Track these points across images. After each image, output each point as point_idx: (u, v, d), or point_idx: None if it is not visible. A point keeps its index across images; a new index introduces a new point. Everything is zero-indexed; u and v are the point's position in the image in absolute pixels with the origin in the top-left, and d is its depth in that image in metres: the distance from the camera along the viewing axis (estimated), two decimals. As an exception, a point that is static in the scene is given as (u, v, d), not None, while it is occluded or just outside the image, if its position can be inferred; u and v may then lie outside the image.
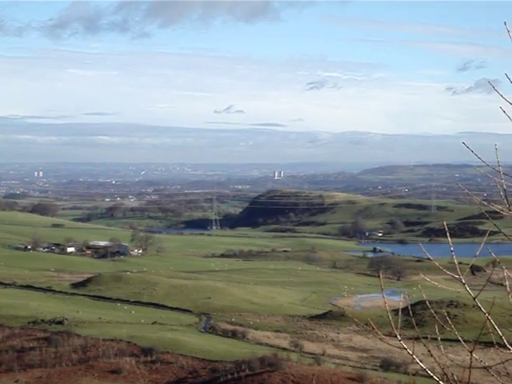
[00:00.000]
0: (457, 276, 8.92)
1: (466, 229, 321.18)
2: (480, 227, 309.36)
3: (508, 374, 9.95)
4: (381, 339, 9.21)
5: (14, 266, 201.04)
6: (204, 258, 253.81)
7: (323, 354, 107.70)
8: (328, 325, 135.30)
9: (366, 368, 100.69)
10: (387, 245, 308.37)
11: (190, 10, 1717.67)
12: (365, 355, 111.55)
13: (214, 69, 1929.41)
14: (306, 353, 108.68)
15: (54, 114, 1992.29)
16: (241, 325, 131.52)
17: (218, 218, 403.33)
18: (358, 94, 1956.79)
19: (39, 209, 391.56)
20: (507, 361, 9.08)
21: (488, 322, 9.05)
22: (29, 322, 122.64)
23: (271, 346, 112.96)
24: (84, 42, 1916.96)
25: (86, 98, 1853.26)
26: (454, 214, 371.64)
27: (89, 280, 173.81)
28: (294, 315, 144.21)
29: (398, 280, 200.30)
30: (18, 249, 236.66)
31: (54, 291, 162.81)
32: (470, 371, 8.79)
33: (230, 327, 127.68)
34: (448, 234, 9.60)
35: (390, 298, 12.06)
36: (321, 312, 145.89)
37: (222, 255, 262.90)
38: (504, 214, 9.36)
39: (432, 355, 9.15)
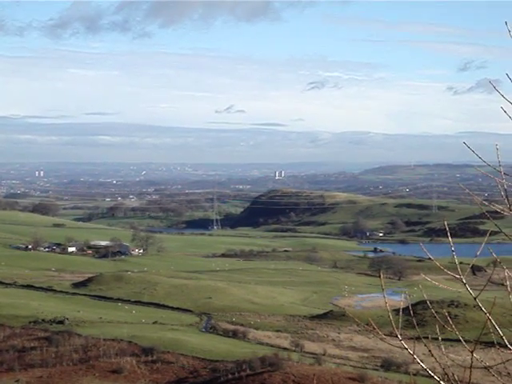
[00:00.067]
0: (458, 276, 8.92)
1: (466, 229, 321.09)
2: (481, 227, 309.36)
3: (509, 373, 9.96)
4: (381, 339, 9.22)
5: (15, 265, 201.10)
6: (205, 258, 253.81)
7: (324, 354, 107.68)
8: (329, 325, 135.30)
9: (366, 368, 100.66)
10: (388, 245, 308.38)
11: (191, 10, 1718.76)
12: (366, 355, 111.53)
13: (214, 69, 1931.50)
14: (307, 353, 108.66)
15: (54, 114, 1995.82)
16: (241, 324, 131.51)
17: (218, 217, 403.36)
18: (358, 94, 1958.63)
19: (40, 208, 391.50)
20: (508, 361, 9.08)
21: (489, 321, 9.05)
22: (29, 322, 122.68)
23: (272, 346, 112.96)
24: (85, 42, 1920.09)
25: (87, 98, 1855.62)
26: (455, 213, 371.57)
27: (90, 280, 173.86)
28: (294, 315, 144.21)
29: (399, 280, 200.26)
30: (18, 248, 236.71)
31: (54, 291, 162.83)
32: (470, 371, 8.80)
33: (231, 327, 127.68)
34: (449, 234, 9.60)
35: (390, 298, 12.07)
36: (322, 312, 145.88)
37: (223, 255, 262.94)
38: (505, 214, 9.36)
39: (433, 355, 9.15)
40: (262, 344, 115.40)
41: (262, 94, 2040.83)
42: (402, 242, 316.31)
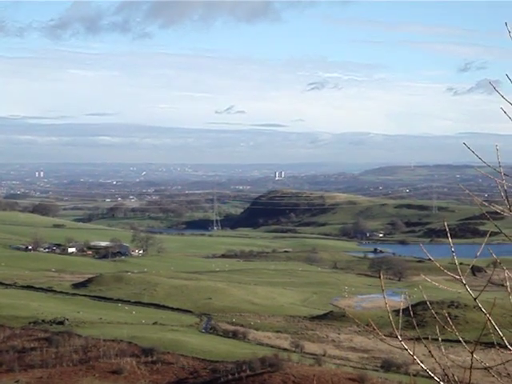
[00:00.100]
0: (457, 277, 8.92)
1: (466, 229, 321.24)
2: (481, 228, 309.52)
3: (509, 374, 9.96)
4: (381, 340, 9.22)
5: (15, 266, 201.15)
6: (205, 259, 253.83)
7: (324, 355, 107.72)
8: (329, 325, 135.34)
9: (366, 369, 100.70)
10: (388, 245, 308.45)
11: (191, 10, 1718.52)
12: (365, 356, 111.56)
13: (214, 69, 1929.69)
14: (307, 353, 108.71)
15: (54, 115, 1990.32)
16: (241, 325, 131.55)
17: (218, 218, 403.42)
18: (358, 95, 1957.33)
19: (40, 209, 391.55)
20: (508, 361, 9.08)
21: (489, 322, 9.05)
22: (29, 323, 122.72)
23: (272, 347, 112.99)
24: (85, 43, 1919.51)
25: (87, 99, 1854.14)
26: (455, 214, 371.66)
27: (90, 280, 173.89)
28: (294, 316, 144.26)
29: (399, 281, 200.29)
30: (18, 249, 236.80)
31: (54, 291, 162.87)
32: (470, 372, 8.80)
33: (231, 328, 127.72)
34: (449, 235, 9.60)
35: (390, 299, 12.09)
36: (321, 312, 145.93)
37: (223, 256, 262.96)
38: (505, 214, 9.36)
39: (433, 356, 9.15)
40: (261, 345, 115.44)
41: (262, 94, 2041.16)
42: (402, 242, 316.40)
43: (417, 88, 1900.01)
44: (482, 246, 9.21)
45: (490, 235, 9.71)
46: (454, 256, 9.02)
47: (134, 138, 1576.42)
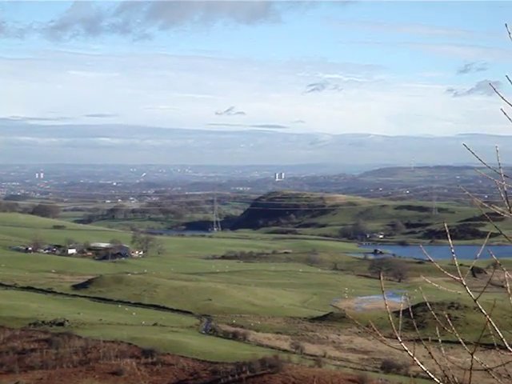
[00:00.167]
0: (458, 278, 8.92)
1: (466, 230, 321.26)
2: (481, 229, 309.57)
3: (509, 375, 9.95)
4: (381, 341, 9.22)
5: (15, 267, 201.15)
6: (205, 260, 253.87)
7: (324, 356, 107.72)
8: (329, 326, 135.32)
9: (366, 370, 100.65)
10: (388, 246, 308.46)
11: (192, 11, 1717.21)
12: (365, 357, 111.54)
13: (215, 71, 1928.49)
14: (307, 354, 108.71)
15: (54, 116, 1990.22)
16: (242, 326, 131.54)
17: (218, 219, 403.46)
18: (358, 96, 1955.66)
19: (40, 210, 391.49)
20: (508, 363, 9.08)
21: (489, 323, 9.05)
22: (29, 324, 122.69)
23: (272, 348, 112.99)
24: (85, 44, 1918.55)
25: (87, 100, 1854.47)
26: (455, 215, 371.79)
27: (90, 281, 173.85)
28: (294, 317, 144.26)
29: (399, 282, 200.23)
30: (18, 250, 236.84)
31: (54, 293, 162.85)
32: (470, 373, 8.79)
33: (231, 329, 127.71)
34: (449, 236, 9.60)
35: (390, 300, 12.09)
36: (322, 314, 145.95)
37: (223, 257, 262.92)
38: (505, 215, 9.36)
39: (433, 357, 9.15)
40: (262, 346, 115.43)
41: (262, 95, 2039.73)
42: (402, 243, 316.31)
43: (417, 89, 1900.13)
44: (482, 247, 9.22)
45: (490, 236, 9.71)
46: (454, 257, 9.02)
47: (134, 139, 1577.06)
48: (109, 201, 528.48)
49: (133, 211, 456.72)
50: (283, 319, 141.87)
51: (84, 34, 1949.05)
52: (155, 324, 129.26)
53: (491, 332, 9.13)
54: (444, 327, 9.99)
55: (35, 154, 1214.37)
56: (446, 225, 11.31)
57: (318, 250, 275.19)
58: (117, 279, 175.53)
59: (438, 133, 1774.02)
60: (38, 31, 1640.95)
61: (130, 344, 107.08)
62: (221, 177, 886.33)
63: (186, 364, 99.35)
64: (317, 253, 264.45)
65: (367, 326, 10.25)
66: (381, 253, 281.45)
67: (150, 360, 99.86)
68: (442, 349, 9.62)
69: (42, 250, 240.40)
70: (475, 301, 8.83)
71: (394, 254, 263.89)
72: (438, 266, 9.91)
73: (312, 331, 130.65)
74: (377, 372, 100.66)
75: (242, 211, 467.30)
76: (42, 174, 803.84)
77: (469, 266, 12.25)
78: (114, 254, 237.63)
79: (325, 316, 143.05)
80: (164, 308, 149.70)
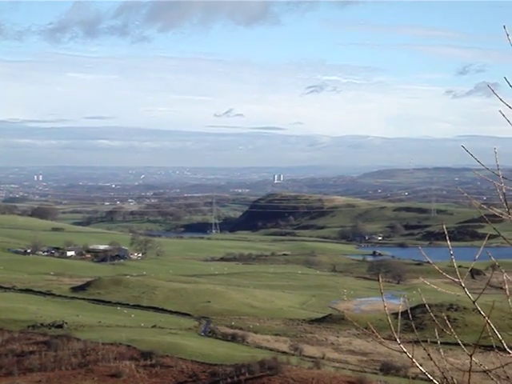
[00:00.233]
0: (456, 279, 8.92)
1: (465, 232, 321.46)
2: (479, 231, 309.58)
3: (508, 377, 9.96)
4: (380, 343, 9.22)
5: (14, 269, 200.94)
6: (203, 262, 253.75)
7: (323, 358, 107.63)
8: (328, 328, 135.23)
9: (365, 372, 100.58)
10: (387, 248, 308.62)
11: (190, 13, 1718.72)
12: (364, 359, 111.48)
13: (213, 72, 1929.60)
14: (306, 356, 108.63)
15: (53, 118, 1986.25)
16: (240, 328, 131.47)
17: (217, 221, 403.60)
18: (357, 98, 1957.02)
19: (39, 212, 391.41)
20: (507, 364, 9.08)
21: (488, 325, 9.05)
22: (28, 326, 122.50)
23: (271, 350, 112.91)
24: (84, 46, 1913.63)
25: (86, 102, 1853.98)
26: (454, 217, 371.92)
27: (88, 284, 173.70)
28: (293, 319, 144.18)
29: (398, 283, 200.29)
30: (17, 252, 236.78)
31: (53, 295, 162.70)
32: (469, 375, 8.79)
33: (230, 331, 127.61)
34: (448, 238, 9.60)
35: (389, 302, 12.07)
36: (320, 315, 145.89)
37: (222, 259, 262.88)
38: (503, 217, 9.36)
39: (432, 359, 9.14)
40: (260, 348, 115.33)
41: (260, 97, 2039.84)
42: (401, 245, 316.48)
43: (416, 91, 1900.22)
44: (481, 248, 9.22)
45: (489, 238, 9.71)
46: (452, 259, 9.02)
47: (133, 142, 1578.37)
48: (108, 203, 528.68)
49: (131, 213, 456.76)
50: (282, 321, 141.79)
51: (83, 36, 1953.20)
52: (154, 326, 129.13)
53: (490, 334, 9.13)
54: (443, 329, 9.99)
55: (34, 157, 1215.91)
56: (444, 226, 11.31)
57: (317, 251, 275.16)
58: (115, 281, 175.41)
59: (436, 134, 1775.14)
60: (37, 33, 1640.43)
61: (128, 346, 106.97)
62: (220, 179, 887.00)
63: (184, 366, 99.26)
64: (315, 255, 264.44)
65: (366, 328, 10.27)
66: (380, 254, 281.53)
67: (148, 362, 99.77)
68: (441, 350, 9.62)
69: (41, 253, 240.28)
70: (474, 302, 8.82)
71: (392, 256, 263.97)
72: (436, 267, 9.91)
73: (311, 333, 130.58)
74: (376, 374, 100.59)
75: (240, 213, 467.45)
76: (40, 177, 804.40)
77: (468, 268, 12.25)
78: (112, 256, 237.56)
79: (324, 318, 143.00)
80: (163, 310, 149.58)
